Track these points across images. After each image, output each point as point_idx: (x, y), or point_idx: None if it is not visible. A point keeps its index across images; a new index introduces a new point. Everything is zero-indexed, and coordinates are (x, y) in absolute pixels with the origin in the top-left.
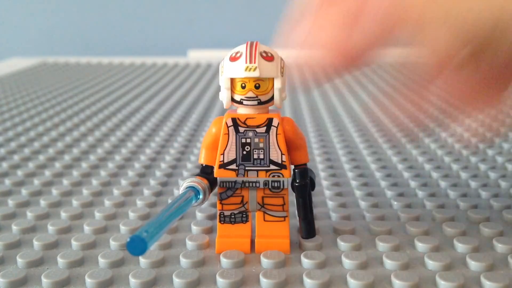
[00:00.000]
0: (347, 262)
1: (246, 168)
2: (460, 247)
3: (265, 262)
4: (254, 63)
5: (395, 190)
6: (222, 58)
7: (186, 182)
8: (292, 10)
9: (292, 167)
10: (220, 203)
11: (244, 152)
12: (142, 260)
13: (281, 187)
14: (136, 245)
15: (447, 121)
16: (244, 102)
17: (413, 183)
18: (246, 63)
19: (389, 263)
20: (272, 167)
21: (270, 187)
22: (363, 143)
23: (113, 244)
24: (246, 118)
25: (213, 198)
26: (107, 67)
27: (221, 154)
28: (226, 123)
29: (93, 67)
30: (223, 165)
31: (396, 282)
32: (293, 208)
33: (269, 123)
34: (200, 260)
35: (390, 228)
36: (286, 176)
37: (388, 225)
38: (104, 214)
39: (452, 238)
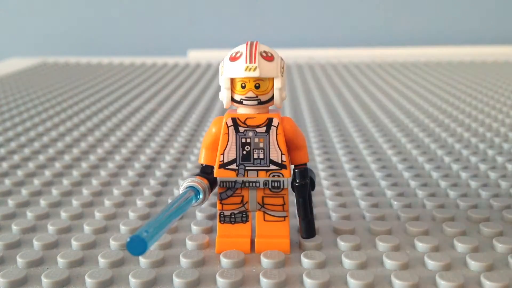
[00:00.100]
0: (347, 262)
1: (246, 168)
2: (460, 247)
3: (265, 262)
4: (254, 63)
5: (395, 190)
6: (222, 58)
7: (186, 182)
8: None
9: (292, 167)
10: (220, 203)
11: (244, 152)
12: (142, 260)
13: (281, 187)
14: (136, 245)
15: (447, 121)
16: (244, 102)
17: (413, 183)
18: (246, 63)
19: (389, 263)
20: (272, 167)
21: (270, 187)
22: (363, 143)
23: (113, 244)
24: (246, 118)
25: (213, 198)
26: (107, 67)
27: (221, 154)
28: (226, 123)
29: (93, 67)
30: (223, 165)
31: (396, 282)
32: (293, 208)
33: (269, 123)
34: (200, 260)
35: (390, 228)
36: (286, 176)
37: (388, 225)
38: (104, 214)
39: (452, 238)
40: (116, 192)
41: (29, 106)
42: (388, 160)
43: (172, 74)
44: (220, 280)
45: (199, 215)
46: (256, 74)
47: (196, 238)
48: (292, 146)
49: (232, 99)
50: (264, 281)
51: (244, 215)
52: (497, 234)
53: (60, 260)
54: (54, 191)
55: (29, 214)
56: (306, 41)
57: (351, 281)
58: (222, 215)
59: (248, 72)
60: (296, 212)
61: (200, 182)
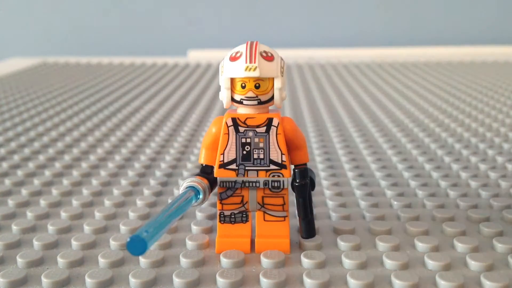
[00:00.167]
0: (347, 262)
1: (246, 168)
2: (460, 247)
3: (265, 262)
4: (254, 63)
5: (395, 190)
6: (222, 58)
7: (186, 182)
8: None
9: (292, 167)
10: (220, 203)
11: (244, 152)
12: (142, 260)
13: (281, 187)
14: (136, 245)
15: (447, 121)
16: (244, 102)
17: (413, 183)
18: (246, 63)
19: (389, 263)
20: (272, 167)
21: (270, 187)
22: (363, 143)
23: (113, 244)
24: (246, 118)
25: (213, 198)
26: (107, 67)
27: (221, 154)
28: (226, 123)
29: (93, 67)
30: (223, 165)
31: (396, 282)
32: (293, 208)
33: (269, 123)
34: (200, 260)
35: (390, 228)
36: (286, 176)
37: (388, 225)
38: (104, 214)
39: (452, 238)
40: (116, 192)
41: (29, 106)
42: (388, 160)
43: (172, 74)
44: (220, 280)
45: (199, 215)
46: (256, 74)
47: (196, 238)
48: (292, 146)
49: (232, 99)
50: (264, 281)
51: (244, 215)
52: (497, 234)
53: (60, 260)
54: (54, 191)
55: (29, 214)
56: (306, 41)
57: (351, 281)
58: (222, 215)
59: (248, 72)
60: (296, 212)
61: (200, 182)
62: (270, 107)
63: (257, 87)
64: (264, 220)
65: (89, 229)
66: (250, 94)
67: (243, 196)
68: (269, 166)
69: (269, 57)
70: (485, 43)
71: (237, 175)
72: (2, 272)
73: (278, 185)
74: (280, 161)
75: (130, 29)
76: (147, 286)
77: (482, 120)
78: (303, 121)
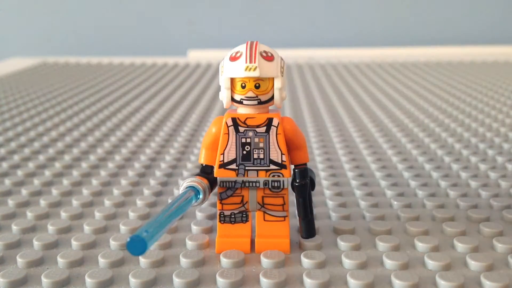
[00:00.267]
0: (347, 262)
1: (246, 168)
2: (460, 247)
3: (265, 262)
4: (254, 63)
5: (395, 190)
6: (222, 58)
7: (186, 182)
8: None
9: (292, 167)
10: (220, 203)
11: (244, 152)
12: (142, 260)
13: (281, 187)
14: (136, 245)
15: (447, 121)
16: (244, 102)
17: (413, 183)
18: (246, 63)
19: (389, 263)
20: (272, 167)
21: (270, 187)
22: (363, 143)
23: (113, 244)
24: (246, 118)
25: (213, 198)
26: (107, 67)
27: (221, 154)
28: (226, 122)
29: (93, 67)
30: (223, 165)
31: (396, 282)
32: (293, 208)
33: (269, 123)
34: (200, 260)
35: (390, 228)
36: (286, 176)
37: (388, 225)
38: (104, 214)
39: (452, 238)
40: (116, 192)
41: (29, 106)
42: (388, 160)
43: (172, 74)
44: (220, 280)
45: (199, 215)
46: (256, 74)
47: (196, 238)
48: (292, 146)
49: (232, 99)
50: (264, 281)
51: (244, 215)
52: (497, 234)
53: (60, 260)
54: (54, 191)
55: (29, 214)
56: (306, 41)
57: (351, 281)
58: (222, 215)
59: (248, 72)
60: (296, 212)
61: (200, 182)
62: (270, 107)
63: (257, 87)
64: (264, 220)
65: (89, 229)
66: (250, 94)
67: (243, 196)
68: (269, 166)
69: (269, 57)
70: (485, 43)
71: (237, 175)
72: (2, 272)
73: (278, 185)
74: (280, 161)
75: (130, 29)
76: (147, 286)
77: (482, 120)
78: (303, 121)
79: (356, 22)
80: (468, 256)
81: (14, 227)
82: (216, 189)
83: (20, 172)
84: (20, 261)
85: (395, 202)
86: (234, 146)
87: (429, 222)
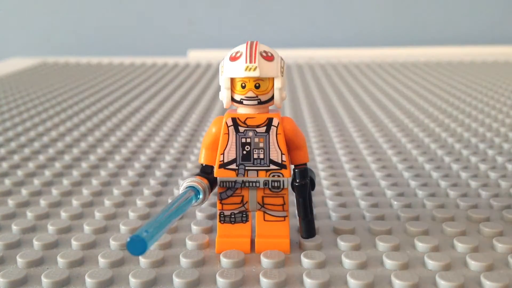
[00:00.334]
0: (347, 262)
1: (246, 167)
2: (460, 247)
3: (265, 262)
4: (254, 62)
5: (395, 190)
6: (222, 58)
7: (186, 182)
8: None
9: (292, 166)
10: (220, 203)
11: (244, 152)
12: (142, 260)
13: (281, 187)
14: (136, 245)
15: (447, 121)
16: (244, 102)
17: (413, 183)
18: (246, 62)
19: (389, 263)
20: (272, 166)
21: (270, 187)
22: (363, 143)
23: (113, 244)
24: (246, 118)
25: (213, 198)
26: (107, 67)
27: (221, 154)
28: (226, 122)
29: (93, 67)
30: (223, 165)
31: (396, 282)
32: (293, 208)
33: (269, 123)
34: (200, 260)
35: (390, 228)
36: (286, 176)
37: (388, 225)
38: (104, 214)
39: (452, 238)
40: (116, 192)
41: (29, 106)
42: (388, 160)
43: (172, 74)
44: (220, 280)
45: (199, 215)
46: (256, 74)
47: (196, 238)
48: (292, 146)
49: (232, 99)
50: (264, 281)
51: (244, 215)
52: (497, 234)
53: (60, 260)
54: (54, 191)
55: (29, 214)
56: (306, 41)
57: (351, 281)
58: (222, 215)
59: (248, 72)
60: (296, 212)
61: (200, 182)
62: (270, 107)
63: (257, 87)
64: (264, 220)
65: (89, 229)
66: (250, 94)
67: (243, 196)
68: (269, 166)
69: (269, 57)
70: (485, 43)
71: (237, 175)
72: (2, 272)
73: (278, 185)
74: (280, 161)
75: (130, 29)
76: (147, 286)
77: (482, 120)
78: (303, 121)
79: (356, 22)
80: (468, 256)
81: (14, 227)
82: (216, 189)
83: (20, 172)
84: (20, 261)
85: (395, 202)
86: (234, 146)
87: (429, 222)
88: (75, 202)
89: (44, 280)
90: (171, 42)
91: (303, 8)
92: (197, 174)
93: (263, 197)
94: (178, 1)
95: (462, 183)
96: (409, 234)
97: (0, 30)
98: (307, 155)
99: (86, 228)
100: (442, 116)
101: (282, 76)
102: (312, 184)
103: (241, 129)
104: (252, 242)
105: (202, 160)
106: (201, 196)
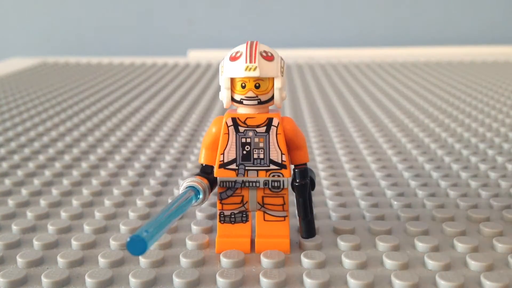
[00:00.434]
0: (347, 262)
1: (246, 167)
2: (460, 247)
3: (265, 262)
4: (254, 62)
5: (395, 190)
6: (222, 58)
7: (186, 181)
8: None
9: (292, 166)
10: (220, 202)
11: (244, 152)
12: (142, 260)
13: (281, 186)
14: (136, 245)
15: (447, 121)
16: (244, 102)
17: (413, 183)
18: (246, 62)
19: (389, 263)
20: (272, 166)
21: (270, 186)
22: (363, 143)
23: (113, 244)
24: (246, 118)
25: (213, 197)
26: (107, 67)
27: (221, 154)
28: (226, 122)
29: (93, 67)
30: (223, 165)
31: (396, 282)
32: (293, 208)
33: (269, 122)
34: (200, 260)
35: (390, 228)
36: (286, 176)
37: (388, 225)
38: (104, 214)
39: (452, 238)
40: (116, 192)
41: (29, 106)
42: (388, 160)
43: (172, 74)
44: (220, 280)
45: (199, 215)
46: (256, 74)
47: (196, 238)
48: (292, 146)
49: (232, 99)
50: (264, 281)
51: (244, 215)
52: (497, 234)
53: (60, 260)
54: (54, 191)
55: (29, 214)
56: (306, 41)
57: (351, 281)
58: (222, 215)
59: (248, 72)
60: (296, 212)
61: (200, 182)
62: (270, 107)
63: (257, 87)
64: (264, 220)
65: (89, 229)
66: (250, 94)
67: (243, 196)
68: (269, 166)
69: (269, 57)
70: (485, 43)
71: (237, 175)
72: (2, 272)
73: (278, 185)
74: (280, 161)
75: (130, 29)
76: (147, 286)
77: (482, 120)
78: (303, 121)
79: (356, 22)
80: (468, 256)
81: (14, 227)
82: (216, 189)
83: (20, 172)
84: (20, 261)
85: (395, 202)
86: (234, 146)
87: (429, 222)
88: (75, 202)
89: (44, 280)
90: (171, 42)
91: (303, 8)
92: (197, 174)
93: (263, 197)
94: (178, 1)
95: (462, 183)
96: (409, 234)
97: (0, 30)
98: (307, 155)
99: (86, 228)
100: (442, 116)
101: (282, 76)
102: (312, 184)
103: (241, 129)
104: (252, 242)
105: (202, 160)
106: (201, 196)
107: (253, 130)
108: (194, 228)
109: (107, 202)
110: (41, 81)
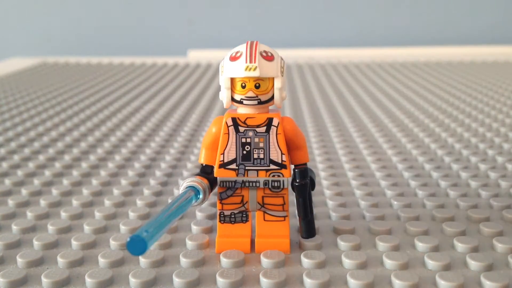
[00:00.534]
0: (347, 262)
1: (246, 167)
2: (460, 247)
3: (265, 262)
4: (254, 62)
5: (395, 190)
6: (222, 58)
7: (186, 181)
8: None
9: (292, 166)
10: (220, 202)
11: (244, 152)
12: (142, 260)
13: (281, 186)
14: (136, 245)
15: (447, 121)
16: (244, 102)
17: (413, 183)
18: (246, 62)
19: (389, 263)
20: (272, 166)
21: (270, 186)
22: (363, 143)
23: (113, 244)
24: (246, 118)
25: (213, 197)
26: (107, 67)
27: (221, 154)
28: (226, 122)
29: (93, 67)
30: (223, 165)
31: (396, 282)
32: (293, 208)
33: (269, 122)
34: (200, 260)
35: (390, 228)
36: (286, 176)
37: (388, 225)
38: (104, 214)
39: (452, 238)
40: (116, 192)
41: (29, 106)
42: (388, 160)
43: (172, 74)
44: (220, 280)
45: (199, 215)
46: (256, 73)
47: (196, 238)
48: (292, 146)
49: (232, 99)
50: (264, 281)
51: (244, 215)
52: (497, 234)
53: (60, 260)
54: (54, 191)
55: (29, 214)
56: (306, 41)
57: (351, 281)
58: (222, 215)
59: (248, 71)
60: (296, 212)
61: (200, 182)
62: (270, 107)
63: (257, 87)
64: (264, 220)
65: (89, 229)
66: (250, 94)
67: (243, 196)
68: (269, 166)
69: (269, 57)
70: (485, 43)
71: (237, 175)
72: (2, 272)
73: (278, 185)
74: (280, 161)
75: (130, 29)
76: (147, 286)
77: (482, 120)
78: (303, 121)
79: (356, 22)
80: (468, 256)
81: (14, 227)
82: (216, 189)
83: (20, 172)
84: (20, 261)
85: (395, 202)
86: (234, 146)
87: (429, 222)
88: (75, 202)
89: (44, 280)
90: (171, 42)
91: (303, 8)
92: (197, 174)
93: (263, 197)
94: (178, 1)
95: (462, 183)
96: (409, 234)
97: (0, 30)
98: (307, 155)
99: (86, 228)
100: (442, 116)
101: (282, 76)
102: (312, 184)
103: (241, 129)
104: (252, 242)
105: (202, 160)
106: (201, 196)
107: (253, 130)
108: (194, 228)
109: (107, 202)
110: (41, 81)
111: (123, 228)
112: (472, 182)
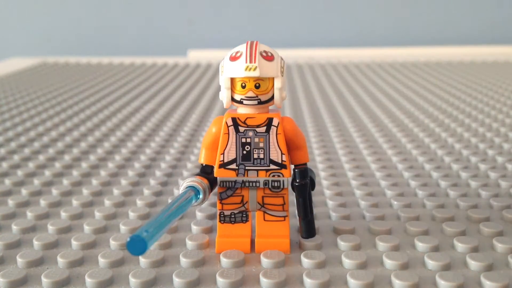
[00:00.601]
0: (347, 262)
1: (246, 167)
2: (460, 247)
3: (265, 262)
4: (254, 62)
5: (395, 190)
6: (222, 58)
7: (186, 181)
8: None
9: (292, 166)
10: (220, 202)
11: (244, 152)
12: (142, 260)
13: (281, 186)
14: (136, 245)
15: (447, 121)
16: (244, 102)
17: (413, 183)
18: (246, 62)
19: (389, 263)
20: (272, 166)
21: (270, 186)
22: (363, 143)
23: (113, 244)
24: (246, 118)
25: (213, 197)
26: (107, 67)
27: (221, 154)
28: (226, 122)
29: (93, 67)
30: (223, 165)
31: (396, 282)
32: (293, 208)
33: (269, 122)
34: (200, 260)
35: (390, 228)
36: (286, 176)
37: (388, 225)
38: (104, 214)
39: (452, 238)
40: (116, 192)
41: (29, 106)
42: (388, 160)
43: (172, 74)
44: (220, 280)
45: (199, 215)
46: (256, 73)
47: (196, 238)
48: (292, 146)
49: (232, 99)
50: (264, 281)
51: (244, 215)
52: (497, 234)
53: (60, 260)
54: (54, 191)
55: (29, 214)
56: (306, 41)
57: (351, 281)
58: (222, 215)
59: (248, 71)
60: (296, 212)
61: (200, 182)
62: (270, 107)
63: (257, 87)
64: (264, 220)
65: (89, 229)
66: (250, 94)
67: (243, 196)
68: (269, 166)
69: (269, 57)
70: (485, 43)
71: (237, 175)
72: (2, 272)
73: (278, 185)
74: (280, 161)
75: (130, 29)
76: (147, 286)
77: (482, 120)
78: (303, 121)
79: (356, 22)
80: (468, 256)
81: (14, 227)
82: (216, 189)
83: (20, 172)
84: (20, 261)
85: (395, 202)
86: (234, 146)
87: (429, 222)
88: (75, 202)
89: (44, 280)
90: (171, 42)
91: (303, 8)
92: (197, 174)
93: (263, 197)
94: (178, 1)
95: (462, 183)
96: (409, 234)
97: (0, 30)
98: (307, 155)
99: (86, 228)
100: (442, 116)
101: (282, 76)
102: (312, 184)
103: (241, 129)
104: (252, 242)
105: (202, 160)
106: (201, 196)
107: (253, 130)
108: (194, 228)
109: (107, 202)
110: (41, 81)
111: (123, 228)
112: (472, 182)
